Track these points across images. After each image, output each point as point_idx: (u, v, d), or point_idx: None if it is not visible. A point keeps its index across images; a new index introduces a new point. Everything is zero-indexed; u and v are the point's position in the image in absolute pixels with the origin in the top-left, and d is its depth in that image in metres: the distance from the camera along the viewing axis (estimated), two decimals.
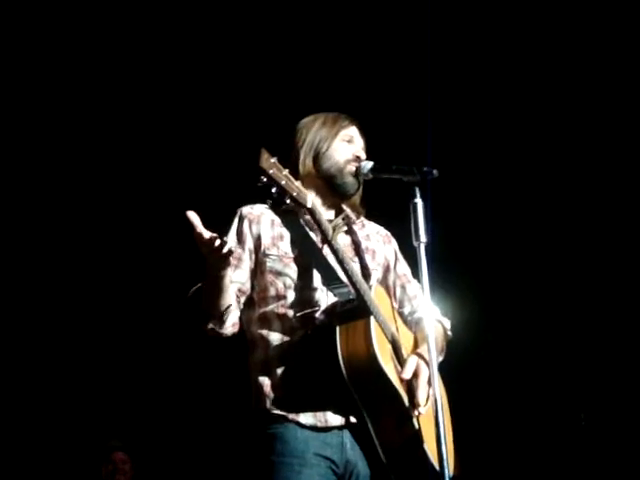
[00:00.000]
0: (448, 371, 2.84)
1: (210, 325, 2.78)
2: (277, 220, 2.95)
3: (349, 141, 3.04)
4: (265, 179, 2.56)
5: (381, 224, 3.22)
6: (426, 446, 2.71)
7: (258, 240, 2.92)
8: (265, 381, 2.80)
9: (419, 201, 2.68)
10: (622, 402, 5.81)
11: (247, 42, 5.32)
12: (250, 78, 5.38)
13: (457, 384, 3.12)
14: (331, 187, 3.00)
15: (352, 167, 2.98)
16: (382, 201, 3.27)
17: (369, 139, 3.12)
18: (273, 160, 2.58)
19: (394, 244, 3.18)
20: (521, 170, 5.74)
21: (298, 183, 2.66)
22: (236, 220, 2.97)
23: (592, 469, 5.70)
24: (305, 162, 2.99)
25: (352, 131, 3.07)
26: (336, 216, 3.05)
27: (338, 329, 2.69)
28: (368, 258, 3.03)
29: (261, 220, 2.95)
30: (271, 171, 2.55)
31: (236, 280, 2.85)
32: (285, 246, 2.91)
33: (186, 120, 5.50)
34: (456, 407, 2.99)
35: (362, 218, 3.14)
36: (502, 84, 5.51)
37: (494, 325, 5.88)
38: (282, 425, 2.73)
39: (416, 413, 2.71)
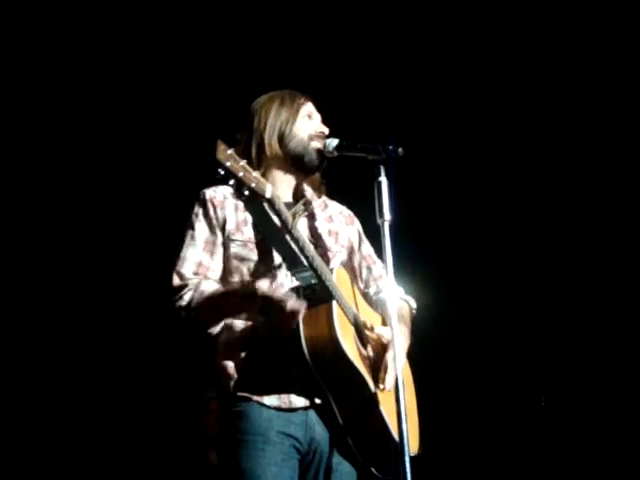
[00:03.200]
0: (411, 351, 2.84)
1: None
2: (240, 204, 2.93)
3: (309, 116, 3.04)
4: (222, 171, 2.54)
5: (344, 202, 3.20)
6: (390, 425, 2.74)
7: (224, 225, 2.90)
8: (229, 363, 2.80)
9: (384, 179, 2.68)
10: (582, 384, 5.86)
11: (206, 25, 5.25)
12: (210, 55, 5.30)
13: (419, 364, 3.13)
14: (298, 166, 2.98)
15: (317, 143, 2.97)
16: (346, 179, 3.26)
17: (334, 118, 3.11)
18: (230, 152, 2.56)
19: (357, 224, 3.18)
20: (486, 150, 5.74)
21: (256, 173, 2.64)
22: (202, 204, 2.94)
23: (552, 449, 5.75)
24: (271, 144, 2.97)
25: (310, 107, 3.08)
26: (295, 195, 3.03)
27: (300, 314, 2.69)
28: (331, 241, 3.03)
29: (225, 205, 2.94)
30: (228, 163, 2.53)
31: (214, 268, 2.87)
32: (249, 231, 2.90)
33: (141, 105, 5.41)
34: (419, 387, 3.00)
35: (324, 197, 3.13)
36: (469, 63, 5.50)
37: (456, 305, 5.90)
38: (246, 404, 2.75)
39: (381, 387, 2.74)
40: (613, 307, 5.76)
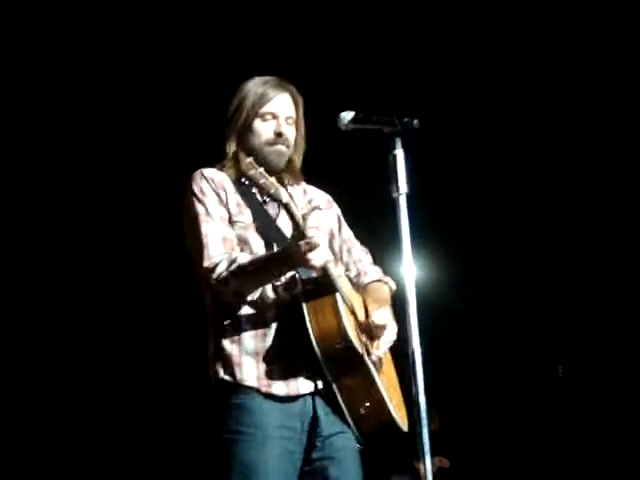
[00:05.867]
0: (427, 324, 2.84)
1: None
2: (235, 188, 2.89)
3: (272, 116, 2.92)
4: (246, 181, 2.63)
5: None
6: (390, 406, 2.79)
7: (227, 205, 2.87)
8: (234, 351, 2.78)
9: (399, 152, 2.65)
10: (599, 355, 5.86)
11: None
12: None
13: (437, 338, 3.12)
14: (262, 165, 2.92)
15: (273, 147, 2.89)
16: (361, 151, 3.23)
17: (349, 89, 3.06)
18: (249, 160, 2.62)
19: (336, 208, 3.15)
20: (504, 120, 5.71)
21: (272, 179, 2.64)
22: (204, 182, 2.87)
23: (569, 420, 5.76)
24: (232, 138, 2.91)
25: (273, 105, 2.93)
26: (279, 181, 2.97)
27: (306, 307, 2.72)
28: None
29: (225, 186, 2.89)
30: (250, 172, 2.60)
31: (230, 237, 2.82)
32: (248, 215, 2.86)
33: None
34: (436, 361, 3.00)
35: (303, 184, 3.08)
36: (486, 36, 5.45)
37: (473, 278, 5.90)
38: (248, 395, 2.73)
39: (373, 357, 2.80)
40: (630, 279, 5.76)
